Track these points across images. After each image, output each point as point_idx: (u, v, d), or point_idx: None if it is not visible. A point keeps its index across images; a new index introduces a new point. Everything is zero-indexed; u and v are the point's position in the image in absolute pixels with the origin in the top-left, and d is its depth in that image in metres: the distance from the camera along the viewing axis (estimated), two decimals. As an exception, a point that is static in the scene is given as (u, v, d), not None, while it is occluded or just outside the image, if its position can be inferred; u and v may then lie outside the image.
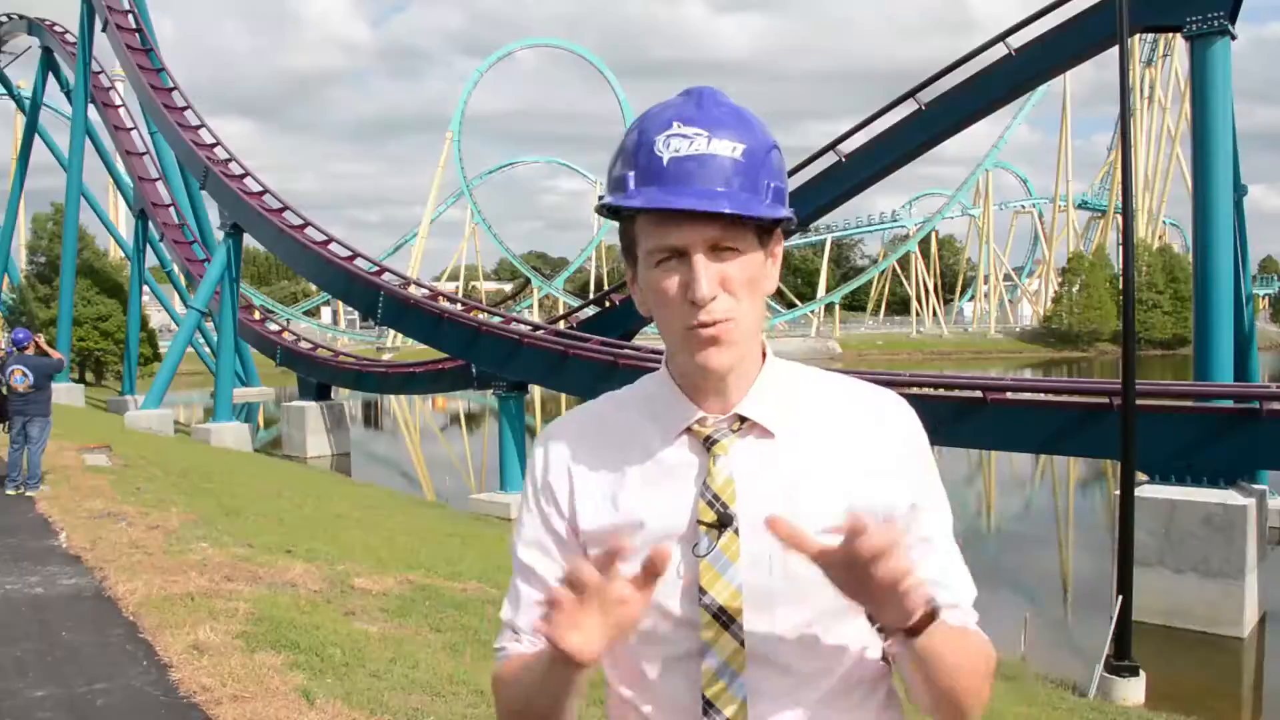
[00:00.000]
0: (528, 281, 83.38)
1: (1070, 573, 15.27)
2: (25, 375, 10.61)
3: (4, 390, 10.65)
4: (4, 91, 47.15)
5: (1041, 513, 20.32)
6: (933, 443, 1.22)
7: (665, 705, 1.14)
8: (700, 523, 1.12)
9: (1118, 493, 9.43)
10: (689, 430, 1.16)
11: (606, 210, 1.12)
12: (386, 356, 48.97)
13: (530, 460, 1.26)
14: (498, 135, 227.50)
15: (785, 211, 1.10)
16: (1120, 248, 13.37)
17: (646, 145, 1.09)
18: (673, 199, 1.05)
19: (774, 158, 1.11)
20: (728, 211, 1.05)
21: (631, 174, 1.09)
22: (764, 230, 1.12)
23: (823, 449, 1.14)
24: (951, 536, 1.19)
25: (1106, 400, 11.68)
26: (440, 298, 24.75)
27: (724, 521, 1.11)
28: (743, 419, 1.15)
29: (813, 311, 75.59)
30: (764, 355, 1.19)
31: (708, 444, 1.14)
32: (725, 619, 1.10)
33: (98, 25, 32.05)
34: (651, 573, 1.00)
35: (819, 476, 1.13)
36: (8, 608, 6.01)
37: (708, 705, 1.11)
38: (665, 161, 1.07)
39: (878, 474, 1.13)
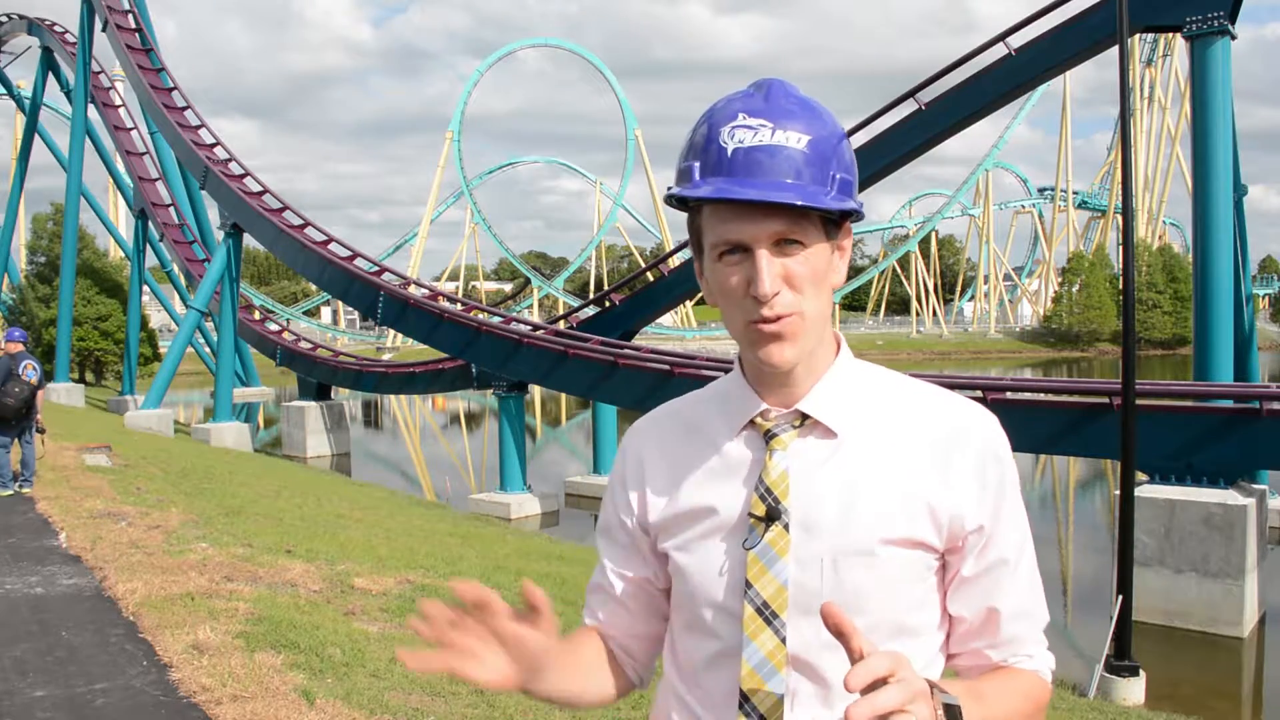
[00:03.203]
0: (528, 281, 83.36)
1: (1070, 573, 15.27)
2: (35, 369, 10.64)
3: (15, 388, 10.48)
4: (4, 91, 47.15)
5: (1041, 512, 20.32)
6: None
7: (707, 696, 1.15)
8: (750, 515, 1.12)
9: (1118, 493, 9.43)
10: (752, 424, 1.16)
11: (674, 201, 1.12)
12: (386, 356, 49.01)
13: (617, 455, 1.31)
14: (498, 135, 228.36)
15: (852, 203, 1.08)
16: (1120, 248, 13.37)
17: (712, 136, 1.08)
18: (736, 189, 1.04)
19: (842, 149, 1.10)
20: (791, 203, 1.03)
21: (697, 164, 1.09)
22: (830, 222, 1.10)
23: (889, 453, 1.12)
24: (1031, 558, 1.16)
25: (1106, 400, 11.69)
26: (440, 298, 24.74)
27: (772, 515, 1.11)
28: (805, 415, 1.14)
29: (813, 311, 75.51)
30: (838, 350, 1.18)
31: (767, 438, 1.14)
32: (768, 614, 1.10)
33: (98, 25, 32.06)
34: (531, 606, 1.07)
35: (880, 481, 1.10)
36: (8, 608, 6.01)
37: (744, 699, 1.11)
38: (730, 152, 1.06)
39: (947, 487, 1.10)
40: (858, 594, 1.09)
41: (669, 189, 1.12)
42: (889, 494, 1.10)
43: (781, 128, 1.06)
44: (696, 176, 1.08)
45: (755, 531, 1.11)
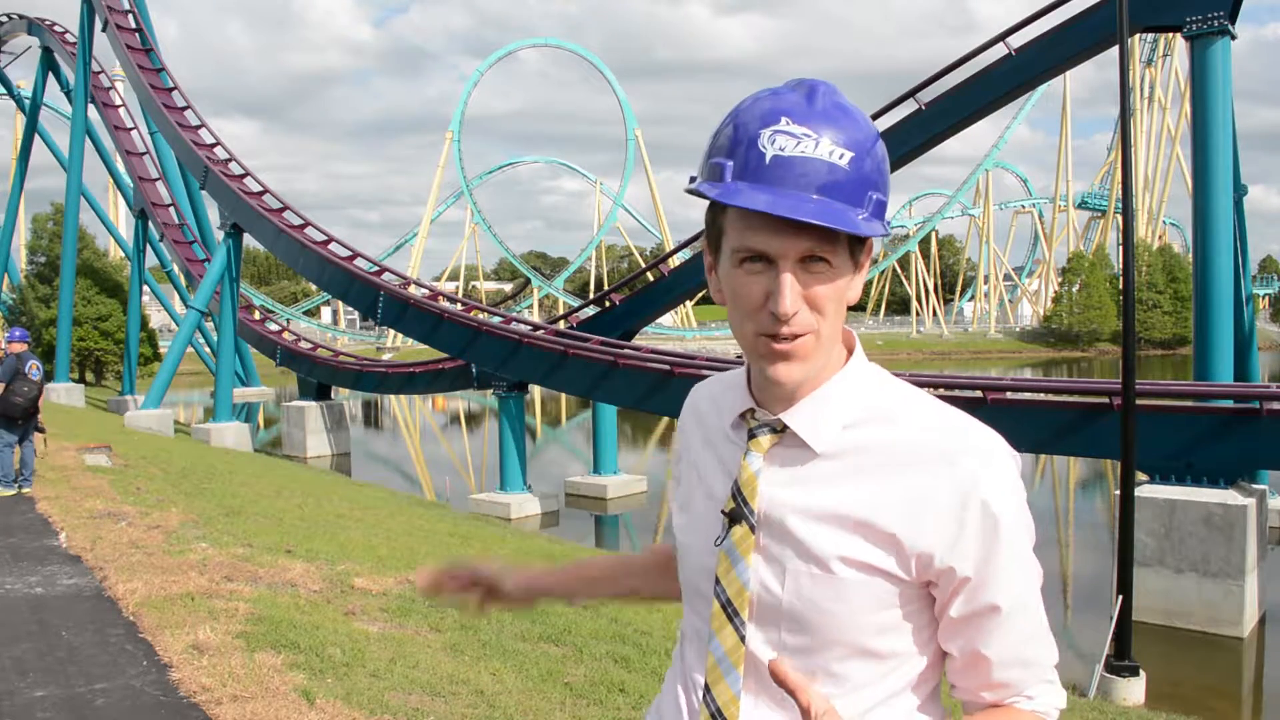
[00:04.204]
0: (528, 281, 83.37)
1: (1070, 573, 15.26)
2: (39, 369, 10.68)
3: (24, 387, 10.50)
4: (4, 91, 47.15)
5: (1041, 513, 20.32)
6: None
7: (688, 675, 1.18)
8: (722, 512, 1.13)
9: (1118, 493, 9.44)
10: (743, 418, 1.16)
11: (697, 194, 1.07)
12: (386, 356, 49.01)
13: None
14: (499, 135, 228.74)
15: (882, 228, 1.04)
16: (1120, 248, 13.37)
17: (750, 137, 1.02)
18: (769, 202, 0.99)
19: (882, 167, 1.05)
20: (824, 225, 0.99)
21: (730, 164, 1.03)
22: (857, 241, 1.06)
23: (865, 479, 1.07)
24: (1032, 605, 1.10)
25: (1106, 400, 11.69)
26: (440, 298, 24.74)
27: (737, 516, 1.11)
28: (787, 425, 1.11)
29: (813, 311, 75.45)
30: (848, 358, 1.14)
31: (749, 436, 1.14)
32: (730, 612, 1.11)
33: (98, 25, 32.05)
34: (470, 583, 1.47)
35: (847, 504, 1.07)
36: (8, 608, 6.01)
37: (707, 689, 1.13)
38: (768, 159, 1.01)
39: (918, 523, 1.05)
40: (816, 608, 1.07)
41: (693, 179, 1.07)
42: (854, 517, 1.06)
43: (826, 139, 1.01)
44: (728, 177, 1.03)
45: (725, 528, 1.13)
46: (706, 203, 1.09)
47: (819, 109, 1.02)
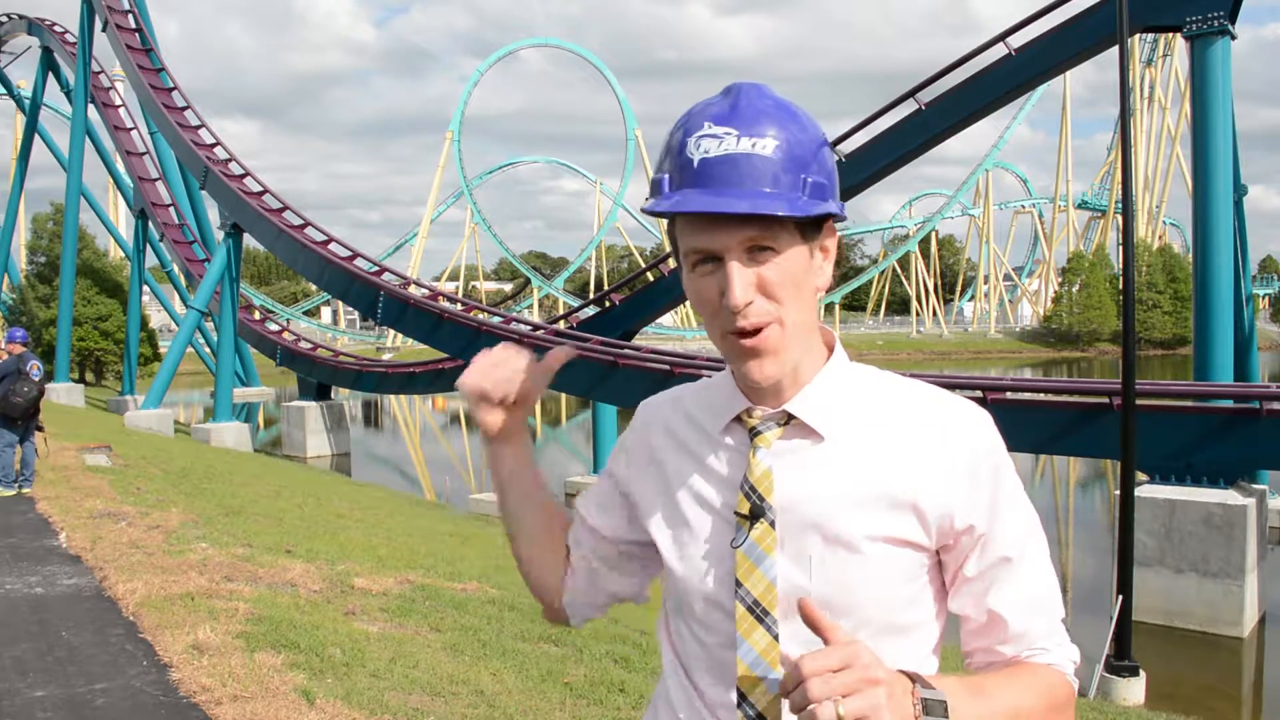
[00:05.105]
0: (528, 281, 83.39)
1: (1070, 573, 15.27)
2: (40, 369, 10.69)
3: (24, 387, 10.51)
4: (4, 91, 47.15)
5: (1041, 512, 19.98)
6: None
7: (705, 690, 1.16)
8: (736, 514, 1.12)
9: (1118, 493, 9.44)
10: (739, 420, 1.16)
11: (651, 213, 1.10)
12: (386, 356, 48.99)
13: (631, 423, 1.34)
14: (499, 135, 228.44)
15: (824, 206, 1.06)
16: (1120, 248, 13.38)
17: (679, 146, 1.07)
18: (696, 201, 1.03)
19: (817, 151, 1.08)
20: (745, 212, 1.02)
21: (667, 176, 1.08)
22: (809, 225, 1.08)
23: (876, 454, 1.11)
24: (1039, 553, 1.16)
25: (1106, 400, 11.69)
26: (440, 298, 24.75)
27: (756, 513, 1.11)
28: (791, 415, 1.13)
29: (813, 311, 75.49)
30: (830, 353, 1.17)
31: (752, 435, 1.14)
32: (759, 612, 1.10)
33: (98, 25, 32.05)
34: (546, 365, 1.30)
35: (866, 480, 1.10)
36: (8, 608, 6.01)
37: (741, 696, 1.11)
38: (696, 163, 1.05)
39: (935, 486, 1.09)
40: (846, 590, 1.09)
41: (648, 199, 1.11)
42: (875, 493, 1.09)
43: (748, 135, 1.04)
44: (667, 188, 1.07)
45: (741, 529, 1.11)
46: (668, 221, 1.14)
47: (740, 107, 1.06)
